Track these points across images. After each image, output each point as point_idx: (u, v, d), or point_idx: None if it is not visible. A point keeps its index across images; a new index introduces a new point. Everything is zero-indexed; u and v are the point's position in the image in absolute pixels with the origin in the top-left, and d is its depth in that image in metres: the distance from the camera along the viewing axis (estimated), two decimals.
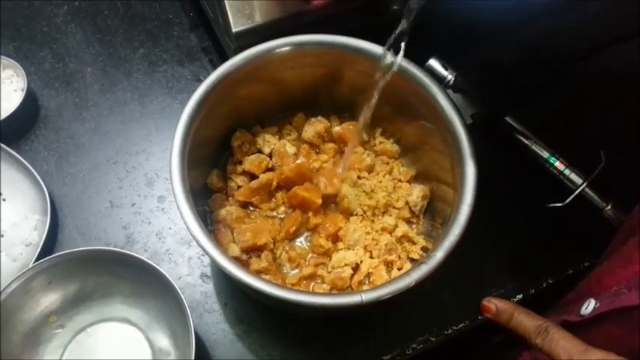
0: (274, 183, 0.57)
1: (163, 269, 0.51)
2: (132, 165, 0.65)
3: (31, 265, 0.52)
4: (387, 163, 0.60)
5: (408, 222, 0.57)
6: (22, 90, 0.65)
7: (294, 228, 0.55)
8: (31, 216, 0.60)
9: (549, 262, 0.60)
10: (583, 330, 0.44)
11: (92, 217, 0.62)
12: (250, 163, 0.57)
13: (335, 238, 0.56)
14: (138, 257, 0.52)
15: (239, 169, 0.58)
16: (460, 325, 0.57)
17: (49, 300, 0.54)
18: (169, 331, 0.55)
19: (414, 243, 0.55)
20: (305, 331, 0.57)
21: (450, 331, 0.57)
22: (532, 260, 0.61)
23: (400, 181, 0.59)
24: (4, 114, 0.63)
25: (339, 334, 0.57)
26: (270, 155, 0.59)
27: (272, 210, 0.57)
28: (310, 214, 0.56)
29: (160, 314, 0.55)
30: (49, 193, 0.59)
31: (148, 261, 0.51)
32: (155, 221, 0.62)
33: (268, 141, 0.59)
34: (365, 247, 0.55)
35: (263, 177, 0.56)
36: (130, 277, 0.54)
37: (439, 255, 0.45)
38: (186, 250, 0.60)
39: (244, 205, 0.57)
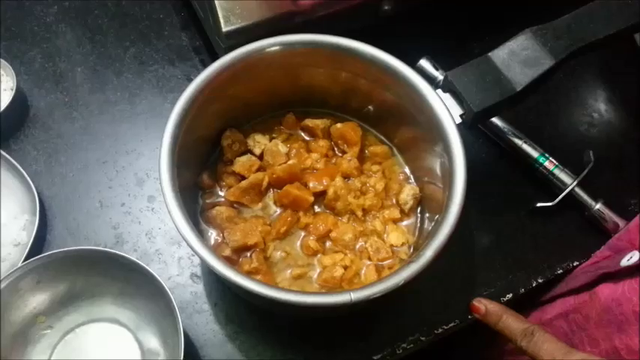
0: (265, 183, 0.57)
1: (153, 269, 0.51)
2: (122, 165, 0.65)
3: (19, 265, 0.52)
4: (379, 163, 0.60)
5: (398, 221, 0.57)
6: (12, 89, 0.65)
7: (284, 228, 0.55)
8: (20, 216, 0.60)
9: (539, 262, 0.61)
10: (619, 279, 0.44)
11: (81, 217, 0.62)
12: (241, 165, 0.57)
13: (325, 238, 0.56)
14: (127, 257, 0.52)
15: (229, 169, 0.58)
16: (450, 325, 0.57)
17: (37, 300, 0.54)
18: (159, 331, 0.55)
19: (402, 243, 0.55)
20: (295, 332, 0.57)
21: (440, 330, 0.57)
22: (522, 259, 0.61)
23: (391, 180, 0.59)
24: None
25: (329, 334, 0.57)
26: (260, 156, 0.59)
27: (262, 209, 0.57)
28: (301, 213, 0.56)
29: (150, 315, 0.55)
30: (38, 193, 0.59)
31: (138, 261, 0.51)
32: (145, 221, 0.62)
33: (258, 141, 0.59)
34: (355, 248, 0.55)
35: (253, 177, 0.56)
36: (120, 278, 0.54)
37: (428, 254, 0.45)
38: (176, 250, 0.60)
39: (235, 205, 0.57)
